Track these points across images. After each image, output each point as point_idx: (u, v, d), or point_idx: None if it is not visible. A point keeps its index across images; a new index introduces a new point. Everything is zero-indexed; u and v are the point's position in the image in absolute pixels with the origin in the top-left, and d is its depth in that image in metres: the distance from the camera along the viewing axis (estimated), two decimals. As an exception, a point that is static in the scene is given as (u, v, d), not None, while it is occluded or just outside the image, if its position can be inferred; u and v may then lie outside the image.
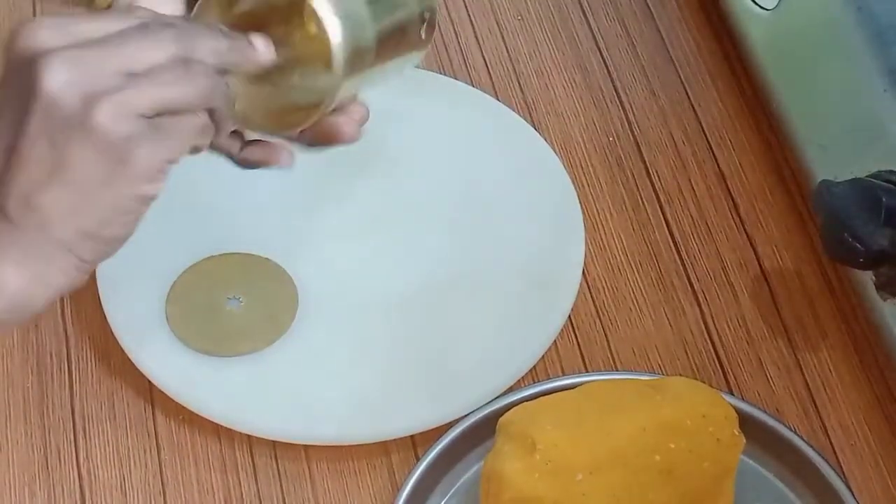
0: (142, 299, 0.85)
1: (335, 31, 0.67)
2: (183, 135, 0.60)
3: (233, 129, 0.68)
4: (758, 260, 0.90)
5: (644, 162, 0.94)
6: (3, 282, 0.59)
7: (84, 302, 0.86)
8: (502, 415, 0.75)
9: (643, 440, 0.73)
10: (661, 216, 0.92)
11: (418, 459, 0.79)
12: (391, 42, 0.71)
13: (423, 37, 0.73)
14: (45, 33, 0.57)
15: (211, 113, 0.62)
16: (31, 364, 0.85)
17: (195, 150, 0.63)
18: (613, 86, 0.98)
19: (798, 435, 0.79)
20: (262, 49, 0.65)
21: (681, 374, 0.84)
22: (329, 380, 0.83)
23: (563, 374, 0.85)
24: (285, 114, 0.69)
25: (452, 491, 0.80)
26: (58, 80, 0.56)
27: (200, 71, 0.60)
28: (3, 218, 0.59)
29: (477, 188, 0.91)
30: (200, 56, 0.61)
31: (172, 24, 0.61)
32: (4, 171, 0.58)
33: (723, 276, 0.89)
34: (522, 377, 0.83)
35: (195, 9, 0.68)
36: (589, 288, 0.88)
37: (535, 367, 0.84)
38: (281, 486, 0.81)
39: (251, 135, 0.71)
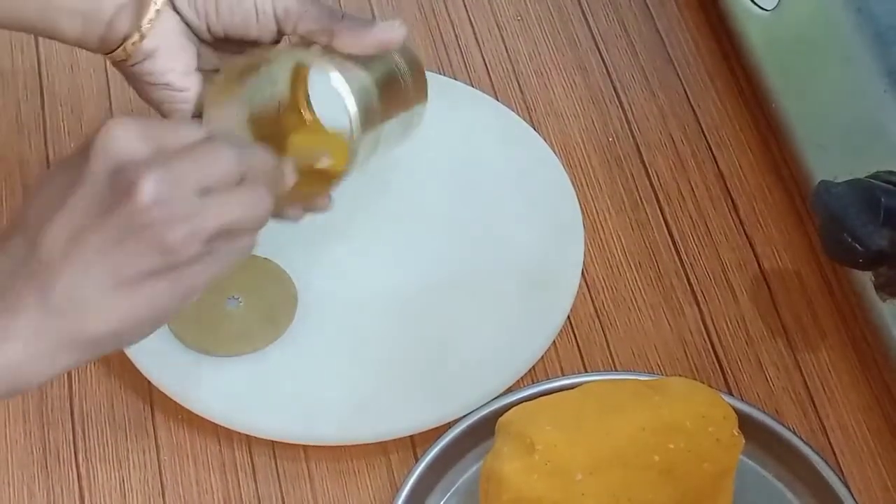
0: (141, 299, 0.85)
1: (346, 92, 0.70)
2: (230, 258, 0.64)
3: None
4: (757, 260, 0.90)
5: (643, 162, 0.94)
6: (7, 359, 0.61)
7: (83, 302, 0.86)
8: (502, 415, 0.75)
9: (642, 440, 0.73)
10: (661, 216, 0.92)
11: (417, 459, 0.79)
12: (391, 99, 0.75)
13: (415, 90, 0.77)
14: (135, 142, 0.61)
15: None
16: (30, 364, 0.85)
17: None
18: (613, 86, 0.98)
19: (797, 435, 0.79)
20: (288, 173, 0.69)
21: (680, 375, 0.84)
22: (328, 380, 0.83)
23: (563, 374, 0.85)
24: (306, 185, 0.71)
25: (452, 491, 0.80)
26: (152, 196, 0.60)
27: (262, 195, 0.65)
28: (39, 300, 0.61)
29: (477, 188, 0.91)
30: (255, 175, 0.65)
31: (232, 141, 0.66)
32: (62, 256, 0.61)
33: (722, 276, 0.89)
34: (522, 377, 0.83)
35: (206, 89, 0.74)
36: (588, 288, 0.88)
37: (534, 367, 0.84)
38: (280, 486, 0.81)
39: None
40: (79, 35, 0.73)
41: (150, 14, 0.72)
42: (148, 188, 0.60)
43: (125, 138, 0.61)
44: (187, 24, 0.74)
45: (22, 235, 0.62)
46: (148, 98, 0.75)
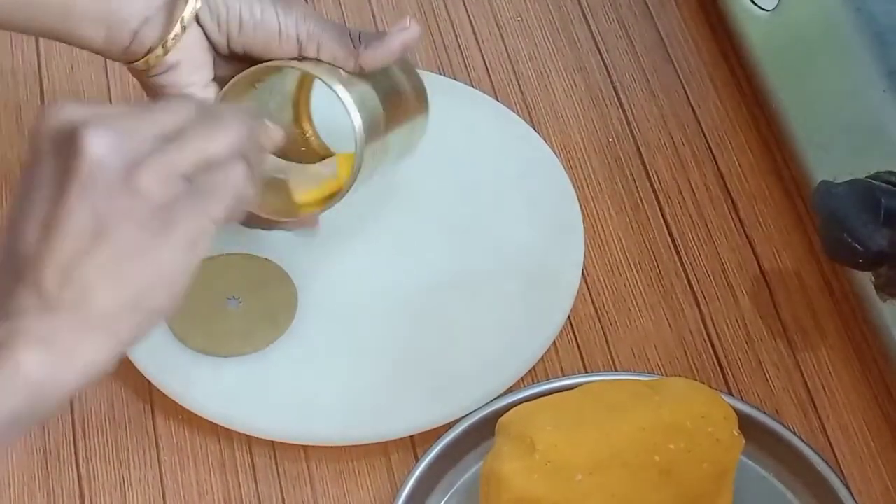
0: (141, 299, 0.85)
1: (351, 105, 0.71)
2: (228, 191, 0.60)
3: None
4: (757, 260, 0.90)
5: (643, 162, 0.94)
6: (24, 371, 0.56)
7: (83, 302, 0.86)
8: (502, 415, 0.75)
9: (642, 441, 0.73)
10: (661, 217, 0.92)
11: (417, 460, 0.79)
12: (394, 111, 0.76)
13: (416, 100, 0.79)
14: (79, 109, 0.58)
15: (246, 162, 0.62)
16: (30, 364, 0.85)
17: (230, 217, 0.61)
18: (613, 87, 0.98)
19: (797, 435, 0.79)
20: (273, 128, 0.68)
21: (680, 375, 0.84)
22: (328, 380, 0.83)
23: (563, 374, 0.85)
24: (310, 197, 0.71)
25: (452, 491, 0.80)
26: (101, 146, 0.56)
27: (230, 118, 0.61)
28: (36, 297, 0.56)
29: (477, 188, 0.91)
30: (225, 118, 0.62)
31: (194, 101, 0.63)
32: (40, 248, 0.57)
33: (722, 276, 0.89)
34: (522, 378, 0.83)
35: (219, 95, 0.74)
36: (588, 288, 0.88)
37: (534, 367, 0.84)
38: (280, 486, 0.81)
39: None
40: (102, 44, 0.72)
41: (177, 29, 0.72)
42: (95, 139, 0.56)
43: (62, 108, 0.58)
44: (208, 38, 0.73)
45: (5, 250, 0.58)
46: None
